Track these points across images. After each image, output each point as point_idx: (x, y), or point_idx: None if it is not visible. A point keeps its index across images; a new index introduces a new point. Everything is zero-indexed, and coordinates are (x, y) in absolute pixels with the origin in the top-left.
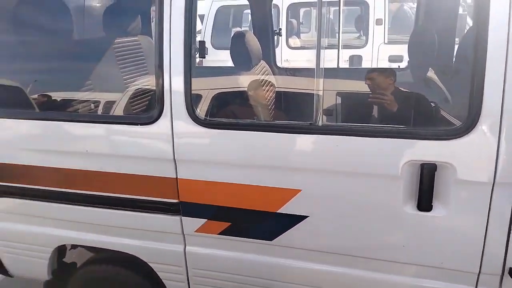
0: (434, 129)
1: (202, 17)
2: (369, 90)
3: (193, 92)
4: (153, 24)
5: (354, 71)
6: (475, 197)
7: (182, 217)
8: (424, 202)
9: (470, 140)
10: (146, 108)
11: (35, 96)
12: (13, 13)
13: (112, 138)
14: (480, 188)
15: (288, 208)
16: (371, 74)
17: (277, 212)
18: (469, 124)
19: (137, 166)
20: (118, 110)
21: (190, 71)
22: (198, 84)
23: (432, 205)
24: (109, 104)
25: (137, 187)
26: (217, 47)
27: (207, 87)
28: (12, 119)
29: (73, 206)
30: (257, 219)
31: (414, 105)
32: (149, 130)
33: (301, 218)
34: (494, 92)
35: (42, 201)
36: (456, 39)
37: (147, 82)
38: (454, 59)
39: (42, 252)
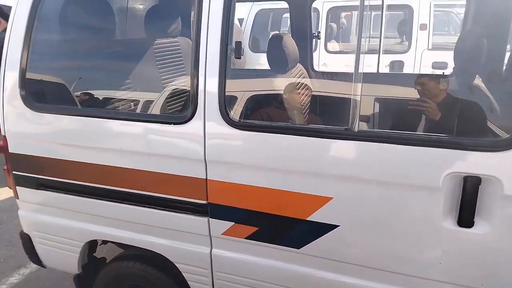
0: (480, 140)
1: (241, 20)
2: (415, 96)
3: (227, 93)
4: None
5: (394, 76)
6: None
7: (210, 218)
8: (466, 217)
9: None
10: (181, 108)
11: (78, 93)
12: (59, 13)
13: (145, 136)
14: None
15: (318, 216)
16: (421, 79)
17: (307, 219)
18: None
19: (168, 165)
20: (155, 110)
21: (225, 72)
22: (232, 86)
23: (474, 221)
24: (147, 103)
25: (167, 186)
26: (255, 50)
27: (241, 89)
28: (53, 114)
29: (105, 202)
30: (285, 226)
31: (464, 113)
32: (182, 130)
33: (331, 227)
34: None
35: (76, 195)
36: (508, 46)
37: (184, 82)
38: (504, 66)
39: (73, 246)
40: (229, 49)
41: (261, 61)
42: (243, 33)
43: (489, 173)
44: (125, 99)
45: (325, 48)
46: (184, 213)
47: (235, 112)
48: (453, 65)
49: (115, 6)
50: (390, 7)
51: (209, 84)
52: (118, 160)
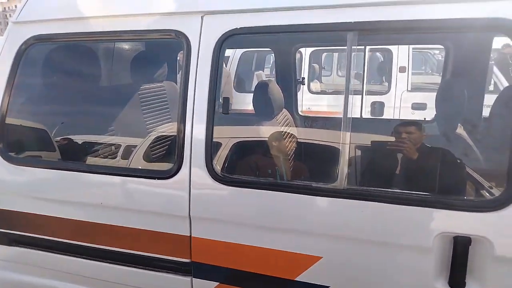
0: (469, 200)
1: (227, 58)
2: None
3: (213, 143)
4: (179, 75)
5: (375, 122)
6: None
7: (193, 278)
8: (457, 278)
9: (509, 213)
10: (165, 158)
11: (59, 139)
12: (44, 60)
13: (127, 191)
14: None
15: (307, 276)
16: (400, 128)
17: (295, 279)
18: (509, 195)
19: (150, 221)
20: (137, 156)
21: (213, 124)
22: (219, 133)
23: (465, 282)
24: (129, 148)
25: (148, 244)
26: (239, 90)
27: (227, 136)
28: (30, 167)
29: (82, 260)
30: (273, 286)
31: (449, 172)
32: (166, 184)
33: None
34: None
35: (52, 252)
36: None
37: (169, 128)
38: (484, 118)
39: None
40: (217, 103)
41: (246, 101)
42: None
43: (479, 233)
44: (106, 144)
45: (308, 89)
46: (165, 272)
47: (221, 164)
48: (435, 111)
49: (100, 52)
50: (370, 49)
51: (196, 133)
52: (97, 215)
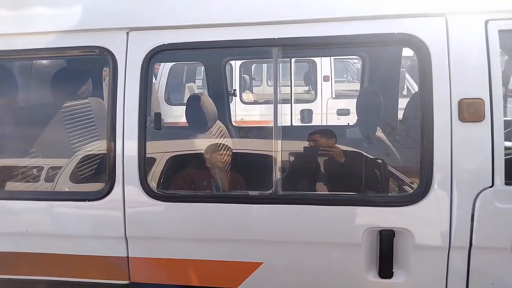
0: (389, 196)
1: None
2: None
3: (148, 159)
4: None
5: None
6: (433, 262)
7: None
8: (385, 269)
9: (424, 205)
10: (95, 177)
11: None
12: None
13: (55, 216)
14: (437, 253)
15: (249, 283)
16: (314, 136)
17: None
18: (422, 190)
19: (83, 246)
20: (63, 178)
21: (145, 140)
22: (152, 148)
23: (393, 272)
24: (54, 171)
25: (83, 269)
26: (171, 103)
27: (161, 151)
28: None
29: None
30: None
31: (371, 172)
32: (98, 206)
33: None
34: (443, 158)
35: None
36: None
37: (98, 147)
38: (399, 121)
39: None
40: (148, 119)
41: (178, 113)
42: (158, 85)
43: (401, 226)
44: (28, 168)
45: (240, 99)
46: None
47: (155, 180)
48: (356, 117)
49: (18, 71)
50: (296, 60)
51: (127, 151)
52: (25, 244)
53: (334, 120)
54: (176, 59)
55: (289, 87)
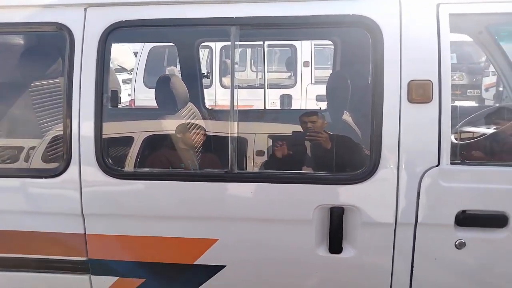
0: (340, 174)
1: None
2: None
3: (105, 137)
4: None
5: (281, 112)
6: (380, 238)
7: (92, 276)
8: (335, 244)
9: (372, 184)
10: (59, 157)
11: None
12: None
13: (13, 192)
14: (384, 229)
15: (205, 259)
16: (305, 117)
17: (194, 263)
18: (371, 168)
19: (41, 223)
20: (36, 157)
21: (101, 115)
22: (114, 128)
23: (342, 247)
24: (24, 152)
25: (41, 246)
26: (150, 86)
27: (128, 132)
28: None
29: None
30: (173, 273)
31: (328, 151)
32: (55, 183)
33: (218, 268)
34: (392, 138)
35: None
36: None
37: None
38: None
39: None
40: (105, 96)
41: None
42: (137, 68)
43: (350, 203)
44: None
45: (220, 84)
46: (63, 273)
47: (115, 159)
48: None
49: None
50: (277, 45)
51: (84, 129)
52: None
53: (314, 106)
54: (145, 39)
55: (268, 72)
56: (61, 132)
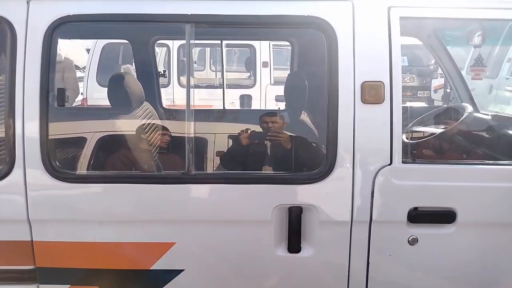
0: (297, 174)
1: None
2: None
3: (52, 138)
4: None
5: (241, 112)
6: (337, 236)
7: (40, 285)
8: (293, 244)
9: (329, 183)
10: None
11: None
12: None
13: None
14: (341, 227)
15: (162, 264)
16: (265, 117)
17: (151, 269)
18: (327, 168)
19: None
20: None
21: (47, 118)
22: (63, 129)
23: (301, 246)
24: None
25: None
26: (104, 84)
27: (78, 132)
28: None
29: None
30: (128, 280)
31: (286, 151)
32: None
33: (177, 272)
34: (347, 138)
35: None
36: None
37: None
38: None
39: None
40: (51, 95)
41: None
42: (90, 65)
43: (308, 202)
44: None
45: (178, 83)
46: (9, 283)
47: (85, 157)
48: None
49: None
50: (237, 45)
51: (28, 129)
52: None
53: (273, 106)
54: (96, 35)
55: (227, 72)
56: (3, 134)
